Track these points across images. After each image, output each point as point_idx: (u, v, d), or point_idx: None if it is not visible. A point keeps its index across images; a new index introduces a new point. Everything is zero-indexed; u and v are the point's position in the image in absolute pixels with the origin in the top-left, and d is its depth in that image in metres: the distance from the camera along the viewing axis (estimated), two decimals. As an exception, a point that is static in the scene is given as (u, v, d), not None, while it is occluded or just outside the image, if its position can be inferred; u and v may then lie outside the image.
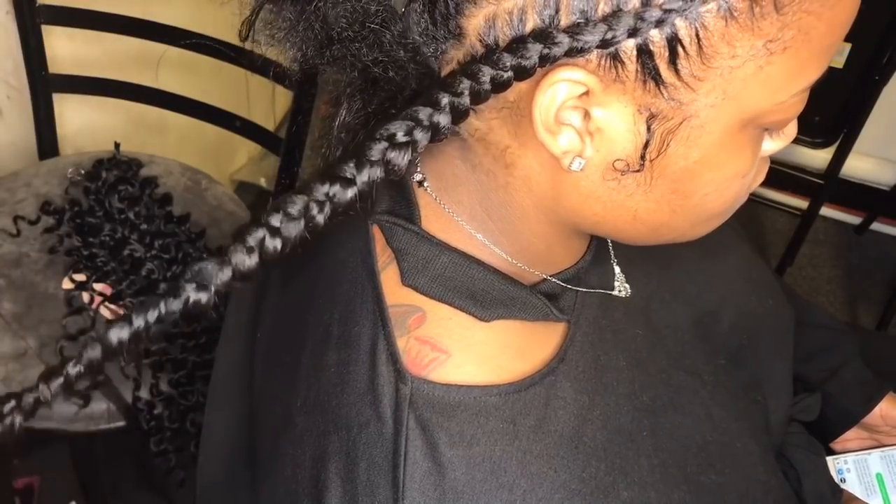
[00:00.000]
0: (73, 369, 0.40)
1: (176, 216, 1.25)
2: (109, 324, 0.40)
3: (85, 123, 1.49)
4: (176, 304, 0.39)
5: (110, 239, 1.20)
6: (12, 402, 0.41)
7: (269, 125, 1.42)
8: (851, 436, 0.82)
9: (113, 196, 1.24)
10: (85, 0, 1.27)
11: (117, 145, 1.33)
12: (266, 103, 1.68)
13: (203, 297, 0.39)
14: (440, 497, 0.46)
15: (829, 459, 0.80)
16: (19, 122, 1.38)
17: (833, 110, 1.49)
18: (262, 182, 1.94)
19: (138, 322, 0.39)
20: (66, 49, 1.36)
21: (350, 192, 0.40)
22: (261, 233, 0.40)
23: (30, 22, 1.26)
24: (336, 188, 0.40)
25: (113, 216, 1.23)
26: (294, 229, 0.40)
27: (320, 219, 0.40)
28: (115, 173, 1.28)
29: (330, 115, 0.51)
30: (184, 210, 1.27)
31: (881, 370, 0.83)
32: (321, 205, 0.40)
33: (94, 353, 0.40)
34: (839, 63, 1.45)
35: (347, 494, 0.47)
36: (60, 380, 0.40)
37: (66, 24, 1.30)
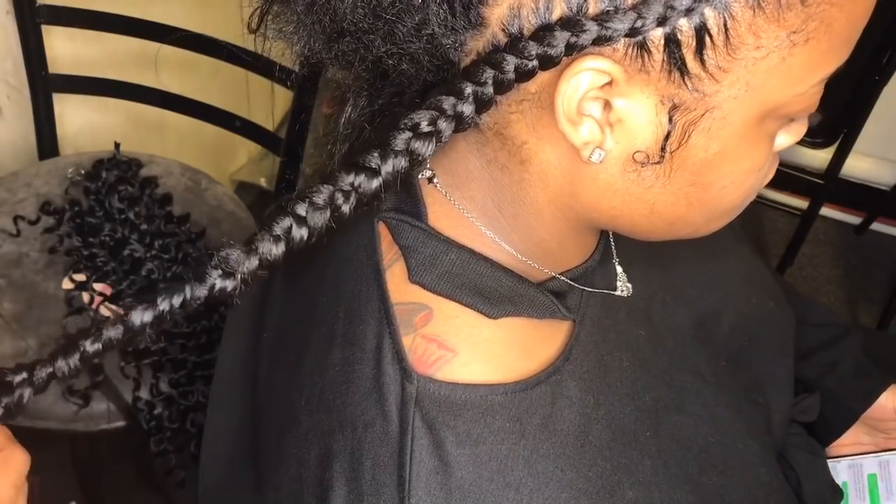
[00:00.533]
0: (91, 346, 0.39)
1: (176, 216, 1.25)
2: (135, 303, 0.39)
3: (85, 123, 1.49)
4: (201, 291, 0.39)
5: (110, 239, 1.20)
6: (23, 374, 0.40)
7: (269, 125, 1.42)
8: (849, 440, 0.81)
9: (113, 196, 1.24)
10: (85, 0, 1.27)
11: (117, 145, 1.33)
12: (266, 103, 1.68)
13: (229, 284, 0.39)
14: (447, 496, 0.46)
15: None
16: (19, 122, 1.38)
17: (833, 110, 1.49)
18: (262, 182, 1.94)
19: (163, 306, 0.39)
20: (66, 49, 1.36)
21: (375, 182, 0.41)
22: (287, 222, 0.40)
23: (30, 22, 1.26)
24: (361, 178, 0.41)
25: (113, 216, 1.22)
26: (320, 219, 0.40)
27: (346, 208, 0.41)
28: (115, 173, 1.28)
29: (335, 113, 0.50)
30: (184, 210, 1.27)
31: (883, 368, 0.82)
32: (346, 194, 0.41)
33: (115, 332, 0.39)
34: (839, 63, 1.44)
35: (353, 494, 0.47)
36: (77, 355, 0.40)
37: (66, 24, 1.29)
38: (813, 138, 1.53)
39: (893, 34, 1.34)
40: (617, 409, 0.53)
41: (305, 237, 0.40)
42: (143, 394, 1.07)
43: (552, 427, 0.49)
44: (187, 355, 1.11)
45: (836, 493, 0.75)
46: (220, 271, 0.39)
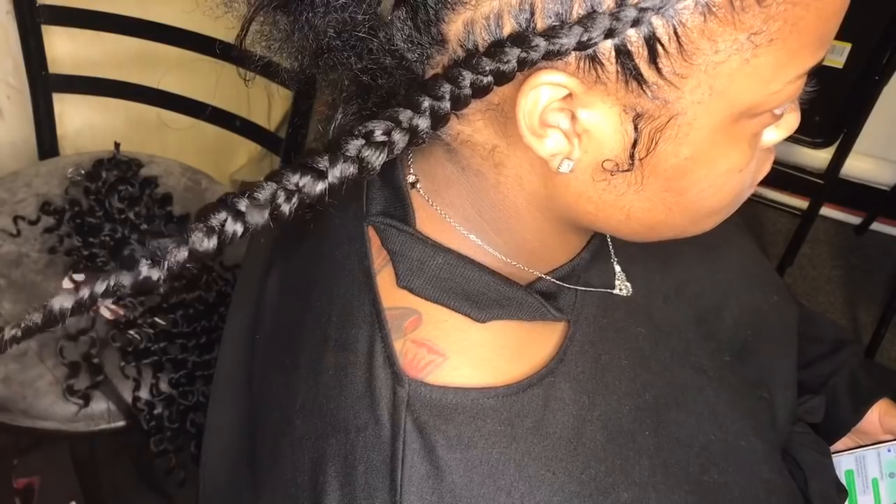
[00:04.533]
0: (9, 332, 0.39)
1: (176, 216, 1.25)
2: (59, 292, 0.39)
3: (85, 123, 1.49)
4: (126, 279, 0.38)
5: (110, 239, 1.20)
6: None
7: (269, 125, 1.43)
8: (842, 447, 0.81)
9: (113, 196, 1.24)
10: (85, 0, 1.27)
11: (117, 145, 1.33)
12: (266, 103, 1.68)
13: (154, 273, 0.38)
14: (438, 500, 0.46)
15: None
16: (19, 122, 1.38)
17: (833, 110, 1.48)
18: (262, 182, 1.94)
19: (83, 292, 0.38)
20: (66, 49, 1.36)
21: (320, 186, 0.40)
22: (223, 215, 0.39)
23: (30, 22, 1.26)
24: (307, 179, 0.40)
25: (113, 216, 1.23)
26: (258, 216, 0.39)
27: (286, 208, 0.39)
28: (115, 173, 1.28)
29: (326, 118, 0.51)
30: (184, 210, 1.27)
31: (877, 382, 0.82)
32: (290, 194, 0.39)
33: (34, 318, 0.39)
34: (839, 63, 1.44)
35: (346, 497, 0.48)
36: None
37: (66, 24, 1.30)
38: (813, 138, 1.53)
39: (893, 34, 1.34)
40: (614, 408, 0.53)
41: (240, 233, 0.39)
42: (143, 394, 1.08)
43: (544, 430, 0.49)
44: (187, 355, 1.11)
45: (843, 492, 0.75)
46: (149, 260, 0.38)
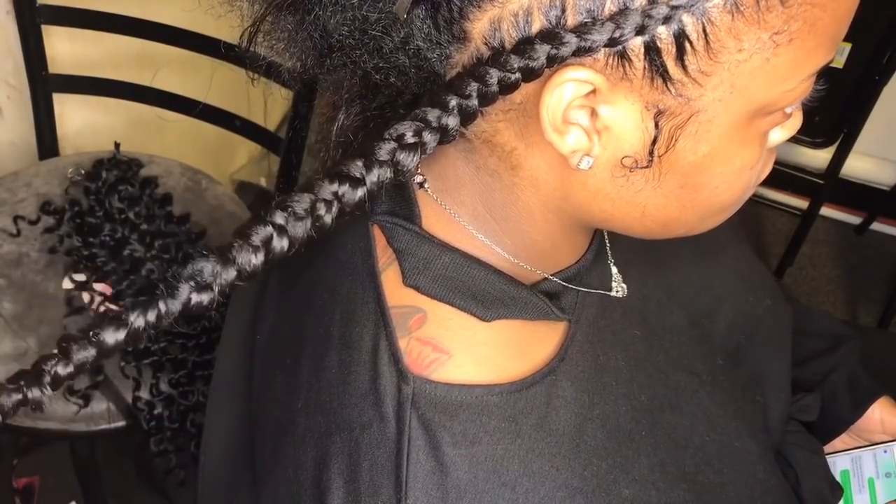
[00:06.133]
0: (63, 370, 0.37)
1: (176, 216, 1.25)
2: (105, 321, 0.36)
3: (85, 123, 1.49)
4: (175, 305, 0.37)
5: (110, 239, 1.20)
6: None
7: (269, 125, 1.42)
8: (837, 448, 0.81)
9: (113, 196, 1.24)
10: (85, 0, 1.27)
11: (117, 145, 1.33)
12: (267, 103, 1.68)
13: (205, 297, 0.37)
14: (443, 496, 0.46)
15: None
16: (19, 122, 1.38)
17: (833, 110, 1.48)
18: (262, 182, 1.94)
19: (137, 323, 0.37)
20: (66, 49, 1.36)
21: (360, 192, 0.40)
22: (267, 231, 0.38)
23: (30, 22, 1.26)
24: (345, 188, 0.39)
25: (113, 216, 1.23)
26: (300, 229, 0.39)
27: (328, 218, 0.39)
28: (115, 173, 1.28)
29: (328, 119, 0.51)
30: (184, 210, 1.27)
31: (883, 369, 0.82)
32: (329, 204, 0.39)
33: (87, 354, 0.37)
34: (839, 63, 1.45)
35: (350, 495, 0.48)
36: (48, 379, 0.36)
37: (66, 24, 1.30)
38: (813, 138, 1.53)
39: (893, 34, 1.34)
40: (612, 408, 0.54)
41: (286, 247, 0.38)
42: (143, 394, 1.08)
43: (547, 427, 0.49)
44: (187, 355, 1.11)
45: (836, 489, 0.75)
46: (192, 284, 0.37)
